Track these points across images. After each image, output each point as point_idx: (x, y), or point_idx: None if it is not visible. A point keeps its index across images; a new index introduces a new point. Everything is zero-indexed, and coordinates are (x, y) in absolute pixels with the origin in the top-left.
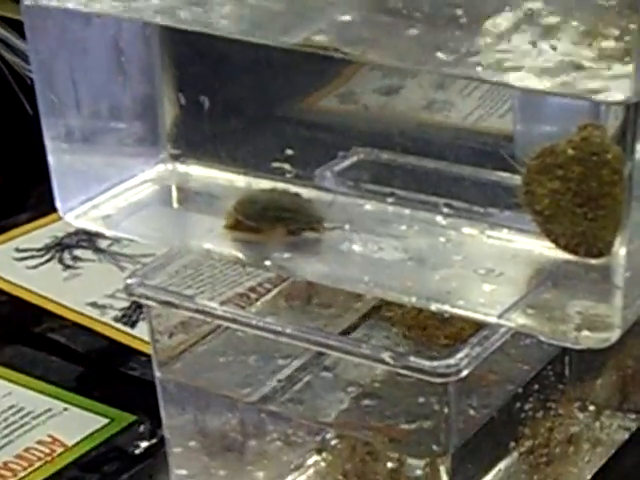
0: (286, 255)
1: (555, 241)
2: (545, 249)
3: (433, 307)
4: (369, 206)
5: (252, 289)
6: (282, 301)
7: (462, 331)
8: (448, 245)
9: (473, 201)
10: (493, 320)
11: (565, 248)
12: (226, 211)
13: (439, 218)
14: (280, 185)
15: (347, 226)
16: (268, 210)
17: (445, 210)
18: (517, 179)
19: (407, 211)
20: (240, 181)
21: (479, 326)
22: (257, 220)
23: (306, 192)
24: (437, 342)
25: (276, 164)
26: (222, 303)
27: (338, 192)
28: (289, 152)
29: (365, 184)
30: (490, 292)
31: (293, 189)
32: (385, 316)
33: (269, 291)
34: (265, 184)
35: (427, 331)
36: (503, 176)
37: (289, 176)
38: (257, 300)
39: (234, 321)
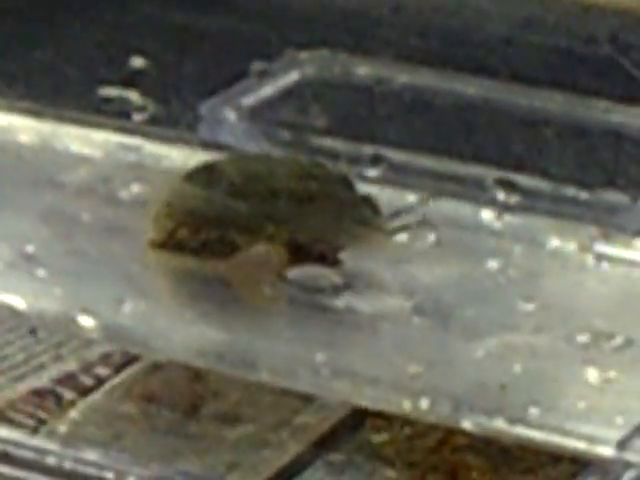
0: (137, 305)
1: None
2: None
3: (469, 425)
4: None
5: (63, 380)
6: (130, 406)
7: None
8: (501, 279)
9: (561, 174)
10: (608, 454)
11: None
12: (154, 210)
13: (486, 215)
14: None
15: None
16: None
17: (498, 195)
18: None
19: (411, 198)
20: (24, 129)
21: (581, 467)
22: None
23: (178, 156)
24: None
25: (110, 91)
26: None
27: (249, 157)
28: (138, 62)
29: (314, 137)
30: (601, 387)
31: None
32: (368, 443)
33: (100, 383)
34: (86, 134)
35: (465, 476)
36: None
37: (139, 118)
38: (73, 404)
39: (5, 459)
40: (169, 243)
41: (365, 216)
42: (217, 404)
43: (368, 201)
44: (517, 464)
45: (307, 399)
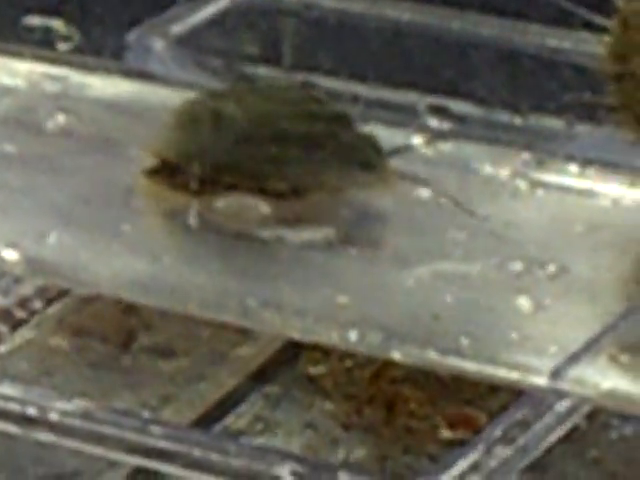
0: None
1: None
2: None
3: (400, 357)
4: None
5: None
6: (61, 340)
7: (479, 411)
8: (433, 207)
9: (494, 100)
10: (541, 383)
11: None
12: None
13: (418, 141)
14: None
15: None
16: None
17: (430, 121)
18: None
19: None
20: None
21: (514, 397)
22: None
23: (103, 86)
24: (429, 436)
25: (33, 20)
26: None
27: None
28: None
29: (244, 64)
30: (534, 316)
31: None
32: (305, 376)
33: (33, 314)
34: (9, 65)
35: (402, 408)
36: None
37: (64, 47)
38: (5, 339)
39: None
40: (162, 176)
41: (369, 157)
42: (151, 337)
43: (370, 141)
44: (455, 395)
45: (243, 332)
